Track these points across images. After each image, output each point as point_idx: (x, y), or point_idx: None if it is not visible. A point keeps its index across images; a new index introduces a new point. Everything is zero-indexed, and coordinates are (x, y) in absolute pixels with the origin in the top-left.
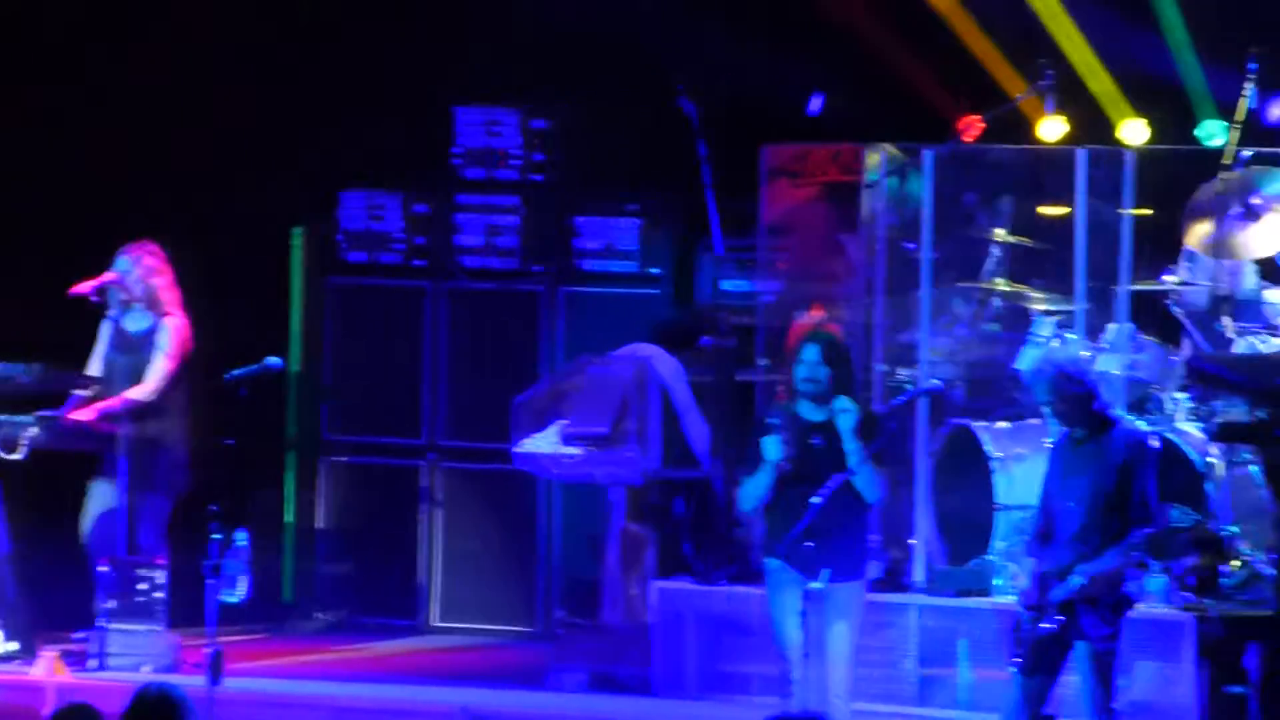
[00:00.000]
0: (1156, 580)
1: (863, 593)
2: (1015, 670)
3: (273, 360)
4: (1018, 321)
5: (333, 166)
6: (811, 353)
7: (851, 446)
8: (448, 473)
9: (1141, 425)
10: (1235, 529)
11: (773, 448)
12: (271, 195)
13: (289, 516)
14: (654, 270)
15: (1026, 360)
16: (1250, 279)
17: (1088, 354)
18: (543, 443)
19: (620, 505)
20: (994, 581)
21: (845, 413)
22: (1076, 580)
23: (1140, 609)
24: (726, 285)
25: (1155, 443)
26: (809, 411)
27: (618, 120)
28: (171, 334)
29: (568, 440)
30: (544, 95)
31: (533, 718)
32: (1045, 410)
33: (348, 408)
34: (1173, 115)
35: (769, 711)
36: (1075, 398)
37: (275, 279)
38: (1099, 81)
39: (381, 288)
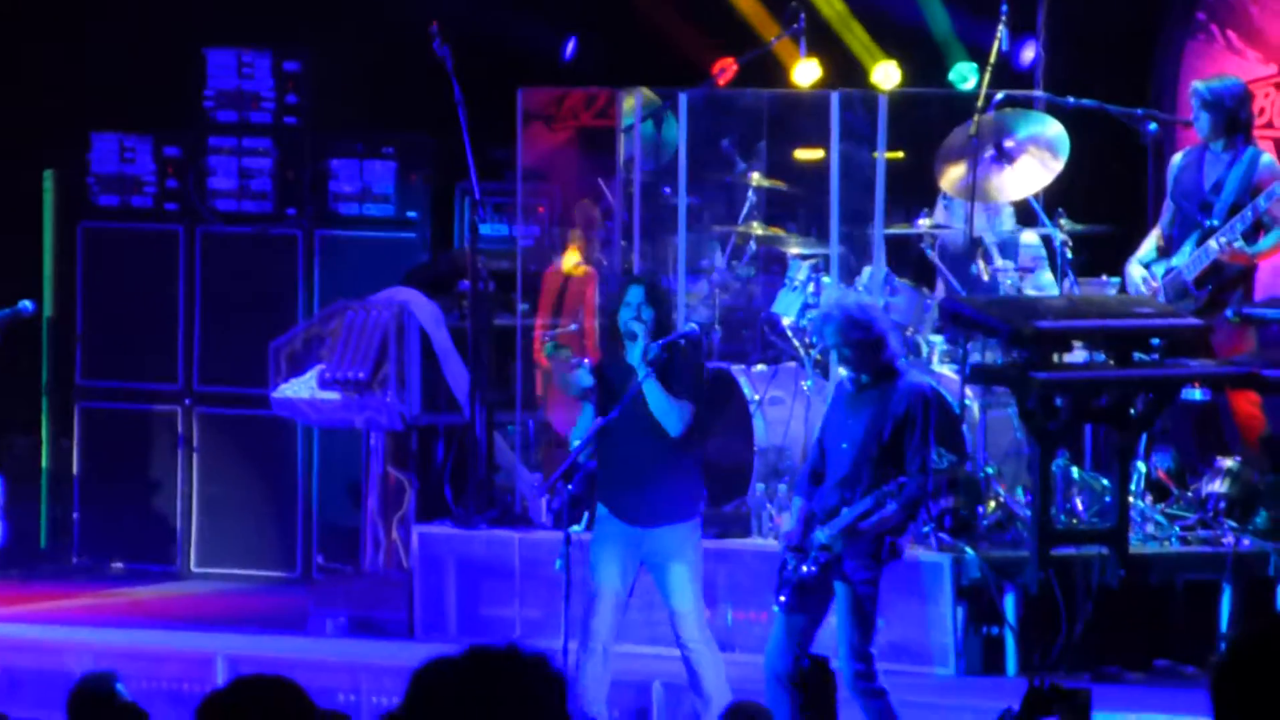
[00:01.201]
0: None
1: (694, 534)
2: (779, 609)
3: (25, 305)
4: (773, 266)
5: (83, 109)
6: (635, 294)
7: (647, 380)
8: (204, 418)
9: (926, 380)
10: (991, 470)
11: (583, 376)
12: (20, 138)
13: (44, 462)
14: (411, 214)
15: (784, 304)
16: (1007, 221)
17: (881, 302)
18: (301, 388)
19: (380, 450)
20: (752, 523)
21: (634, 346)
22: (831, 528)
23: None
24: (484, 229)
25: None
26: (634, 355)
27: (372, 63)
28: None
29: (326, 385)
30: (297, 37)
31: (293, 663)
32: (831, 355)
33: (103, 353)
34: (926, 59)
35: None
36: (862, 344)
37: (26, 223)
38: (851, 25)
39: (134, 231)
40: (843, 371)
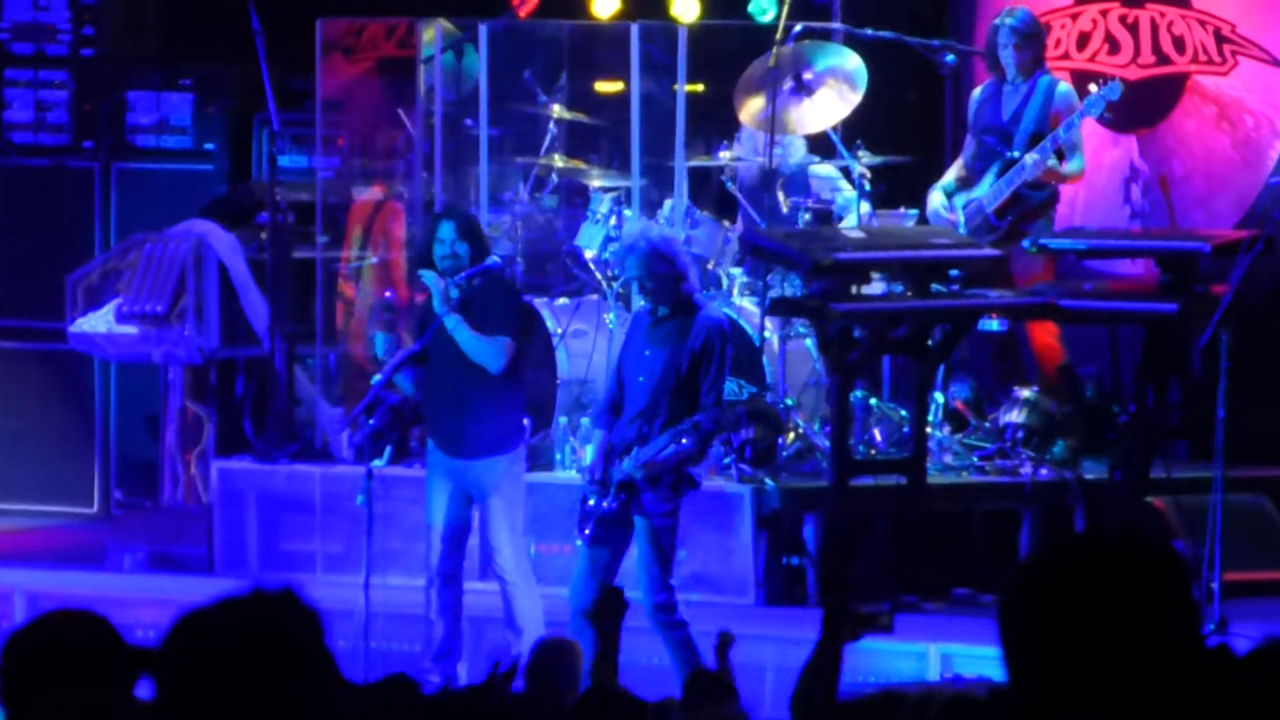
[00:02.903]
0: (714, 450)
1: (512, 467)
2: (582, 543)
3: None
4: (575, 198)
5: None
6: (447, 230)
7: (447, 318)
8: (0, 352)
9: (724, 313)
10: (791, 402)
11: (380, 345)
12: None
13: None
14: (208, 146)
15: (586, 237)
16: (798, 153)
17: (682, 234)
18: (98, 322)
19: (178, 384)
20: (556, 456)
21: (432, 286)
22: (628, 464)
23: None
24: (283, 161)
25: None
26: (435, 300)
27: None
28: None
29: (123, 319)
30: None
31: (92, 599)
32: (633, 286)
33: None
34: None
35: (332, 588)
36: (665, 276)
37: None
38: None
39: None
40: (641, 303)
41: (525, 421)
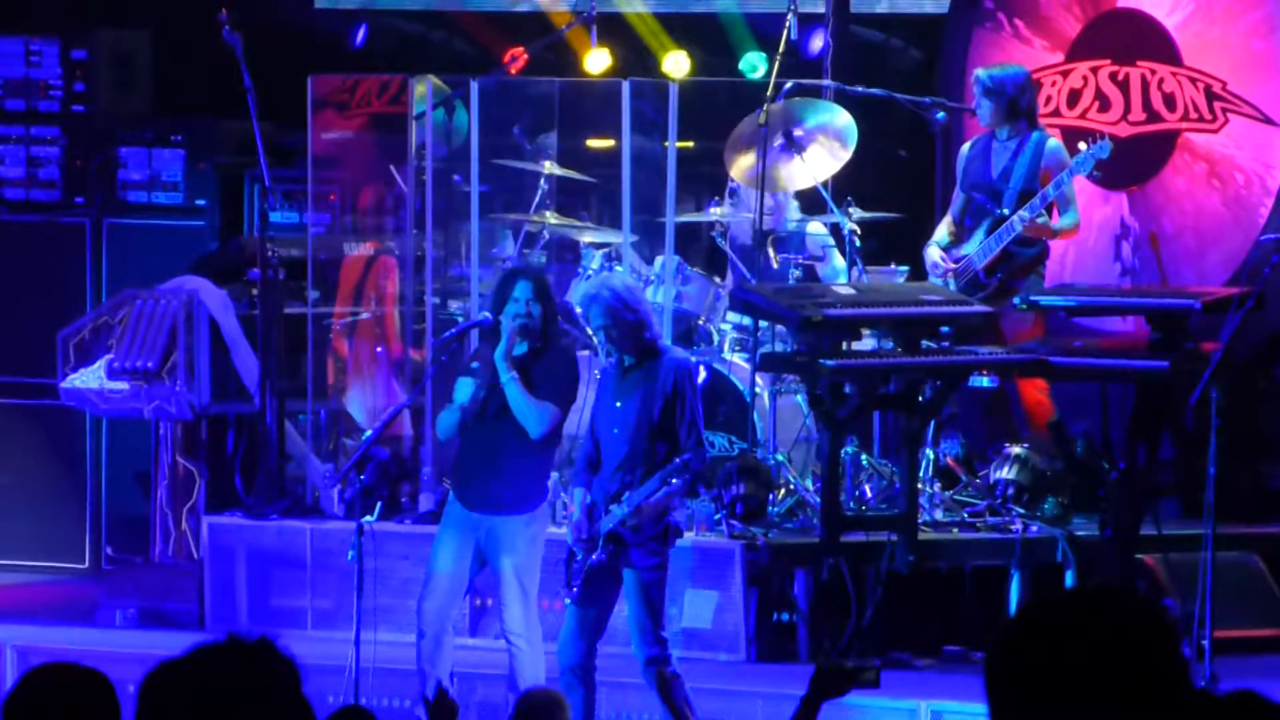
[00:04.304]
0: (704, 507)
1: (528, 528)
2: (570, 602)
3: None
4: (566, 254)
5: None
6: (524, 289)
7: (505, 374)
8: None
9: (686, 354)
10: (781, 457)
11: (463, 390)
12: None
13: None
14: (200, 202)
15: (578, 293)
16: (793, 211)
17: (640, 284)
18: (89, 378)
19: (169, 440)
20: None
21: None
22: (620, 511)
23: (689, 536)
24: (275, 217)
25: (701, 370)
26: (497, 353)
27: (161, 50)
28: None
29: (114, 375)
30: (85, 25)
31: (82, 654)
32: (598, 336)
33: None
34: (716, 48)
35: (323, 644)
36: (631, 324)
37: None
38: (642, 15)
39: None
40: (604, 358)
41: (549, 483)
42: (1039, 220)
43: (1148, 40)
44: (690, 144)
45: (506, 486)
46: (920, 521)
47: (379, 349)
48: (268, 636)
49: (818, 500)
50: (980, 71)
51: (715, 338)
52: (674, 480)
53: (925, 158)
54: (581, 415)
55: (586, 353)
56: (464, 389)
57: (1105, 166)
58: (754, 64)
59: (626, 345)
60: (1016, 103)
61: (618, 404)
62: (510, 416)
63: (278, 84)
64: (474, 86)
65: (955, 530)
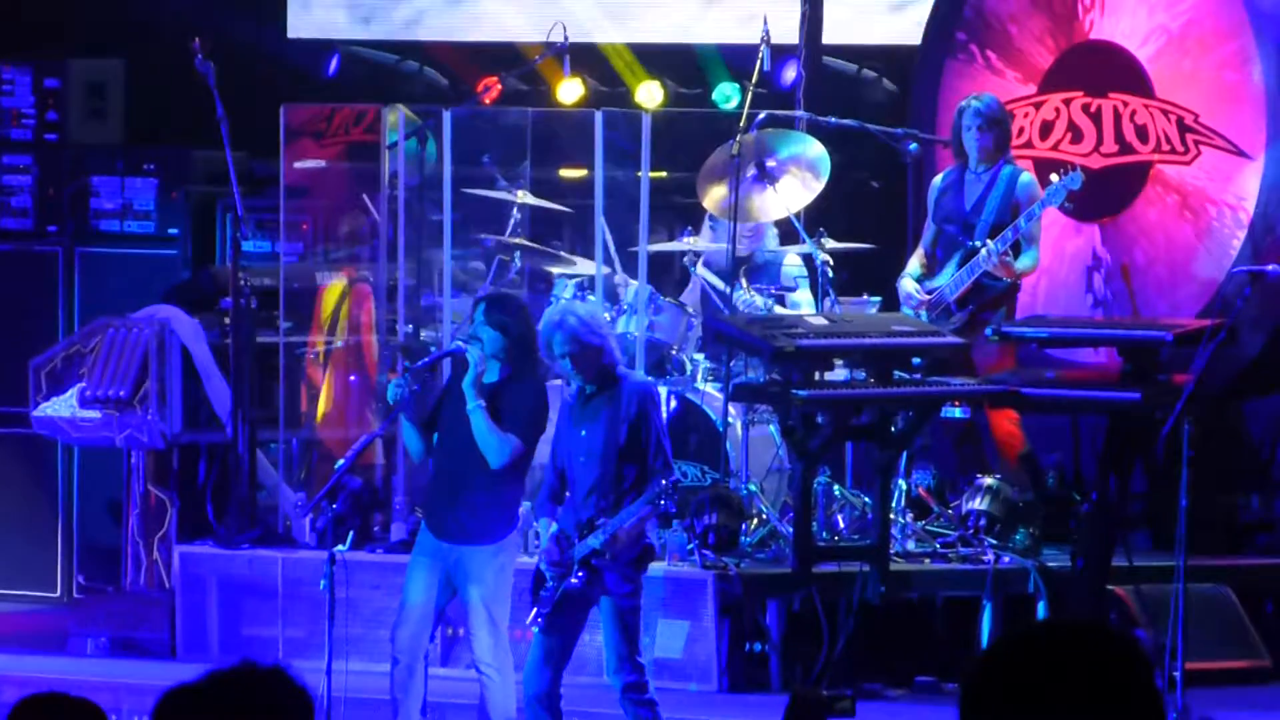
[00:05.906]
0: (677, 537)
1: (496, 558)
2: (537, 630)
3: None
4: (538, 283)
5: None
6: (479, 313)
7: (472, 402)
8: None
9: (646, 377)
10: (754, 487)
11: (391, 392)
12: None
13: None
14: (172, 231)
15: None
16: (770, 241)
17: (602, 311)
18: (61, 406)
19: (140, 469)
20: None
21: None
22: (597, 538)
23: (662, 567)
24: (247, 246)
25: (672, 400)
26: (488, 374)
27: (134, 79)
28: None
29: (86, 404)
30: (59, 53)
31: (54, 683)
32: (561, 364)
33: None
34: (689, 79)
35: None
36: (594, 350)
37: None
38: (615, 46)
39: None
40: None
41: (520, 511)
42: (1007, 259)
43: (1120, 72)
44: (664, 174)
45: (473, 516)
46: (892, 552)
47: (352, 378)
48: (281, 665)
49: (790, 530)
50: (974, 102)
51: (688, 367)
52: (661, 502)
53: (897, 189)
54: (553, 444)
55: (559, 382)
56: (391, 390)
57: (1077, 198)
58: (727, 95)
59: (589, 372)
60: (1010, 131)
61: (582, 432)
62: (475, 446)
63: (250, 113)
64: (446, 116)
65: (927, 561)
